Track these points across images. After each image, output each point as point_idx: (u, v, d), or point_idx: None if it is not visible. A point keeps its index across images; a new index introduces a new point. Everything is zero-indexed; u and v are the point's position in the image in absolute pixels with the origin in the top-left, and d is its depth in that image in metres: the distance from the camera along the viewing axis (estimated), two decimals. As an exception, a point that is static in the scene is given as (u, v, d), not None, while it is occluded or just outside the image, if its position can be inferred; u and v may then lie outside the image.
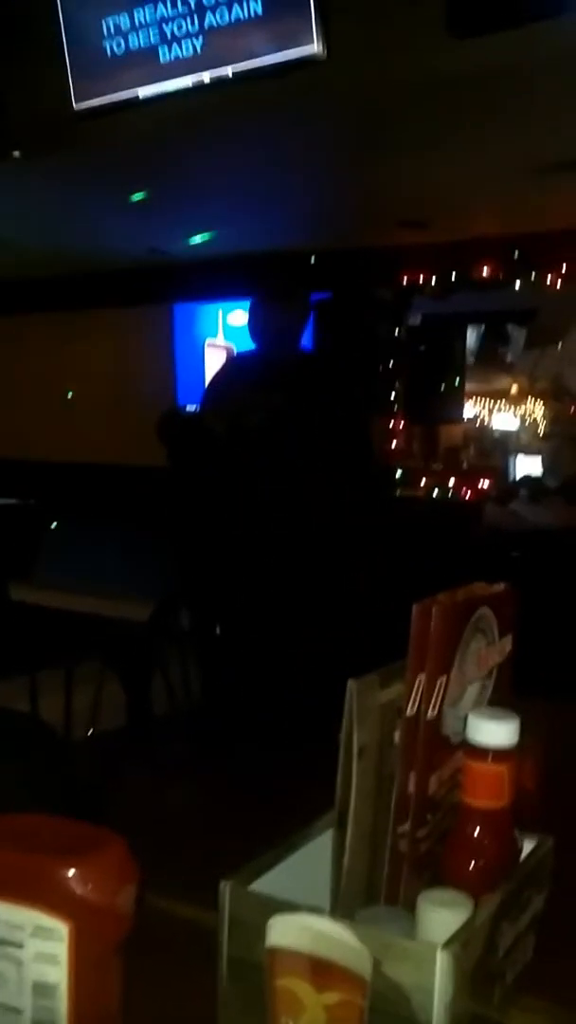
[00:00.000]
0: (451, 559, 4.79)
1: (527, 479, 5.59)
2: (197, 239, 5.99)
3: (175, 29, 2.75)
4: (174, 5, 2.75)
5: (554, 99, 3.64)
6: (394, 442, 6.30)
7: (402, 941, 0.83)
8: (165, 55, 2.78)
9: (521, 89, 3.56)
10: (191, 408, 3.67)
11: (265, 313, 3.42)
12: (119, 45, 2.85)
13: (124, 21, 2.83)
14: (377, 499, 3.84)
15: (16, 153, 4.03)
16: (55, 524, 5.83)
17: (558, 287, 5.75)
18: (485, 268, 5.92)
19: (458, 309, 6.45)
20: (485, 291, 6.03)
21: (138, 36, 2.81)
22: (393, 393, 6.37)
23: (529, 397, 6.93)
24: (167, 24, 2.76)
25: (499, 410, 7.11)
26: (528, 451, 6.25)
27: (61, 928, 0.72)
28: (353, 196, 5.02)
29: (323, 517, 3.31)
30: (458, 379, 6.78)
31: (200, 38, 2.72)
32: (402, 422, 6.45)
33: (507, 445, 7.01)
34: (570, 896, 1.10)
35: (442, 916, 0.88)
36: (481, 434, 7.14)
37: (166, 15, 2.75)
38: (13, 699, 1.79)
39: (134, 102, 2.88)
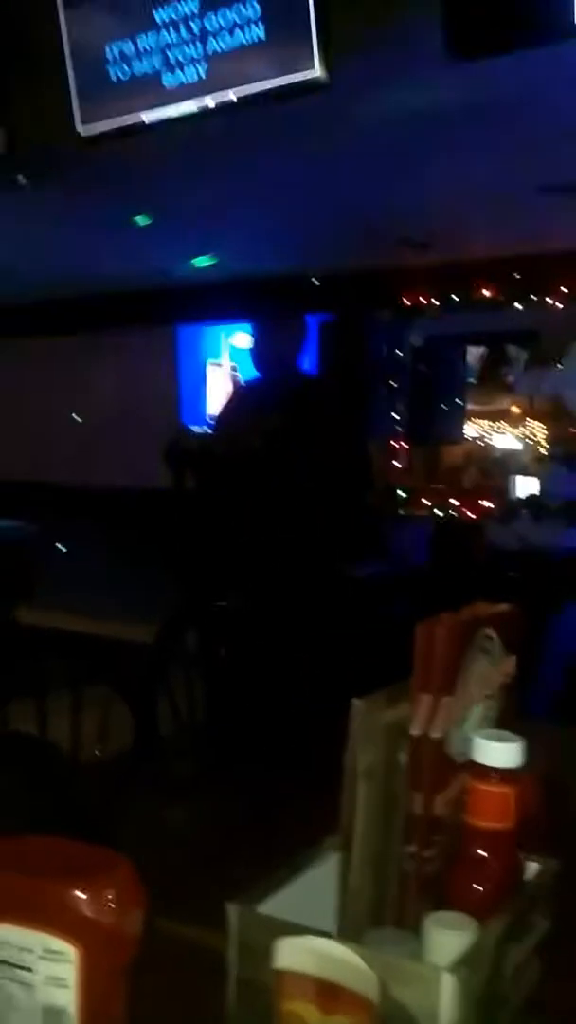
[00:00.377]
0: (453, 578, 4.79)
1: (529, 499, 5.59)
2: (201, 262, 6.02)
3: (179, 55, 2.78)
4: (177, 31, 2.77)
5: (554, 122, 3.67)
6: (396, 462, 6.31)
7: (408, 964, 0.83)
8: (169, 80, 2.80)
9: (522, 113, 3.58)
10: (197, 430, 3.72)
11: (263, 339, 3.47)
12: (123, 71, 2.88)
13: (128, 47, 2.85)
14: (376, 518, 3.87)
15: (21, 178, 4.07)
16: (60, 546, 5.84)
17: (558, 308, 5.77)
18: (486, 289, 5.94)
19: (459, 330, 6.47)
20: (486, 312, 6.05)
21: (142, 62, 2.83)
22: (395, 414, 6.39)
23: (530, 418, 6.95)
24: (171, 50, 2.78)
25: (500, 430, 7.13)
26: (529, 471, 6.26)
27: (70, 951, 0.72)
28: (355, 218, 5.05)
29: (322, 534, 3.35)
30: (459, 399, 6.80)
31: (204, 63, 2.74)
32: (404, 442, 6.46)
33: (508, 465, 7.03)
34: (573, 919, 1.09)
35: (448, 939, 0.88)
36: (482, 454, 7.15)
37: (170, 41, 2.78)
38: (21, 722, 1.79)
39: (139, 127, 2.90)
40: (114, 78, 2.90)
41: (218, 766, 2.04)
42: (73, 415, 7.82)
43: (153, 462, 7.14)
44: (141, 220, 5.04)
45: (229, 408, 3.56)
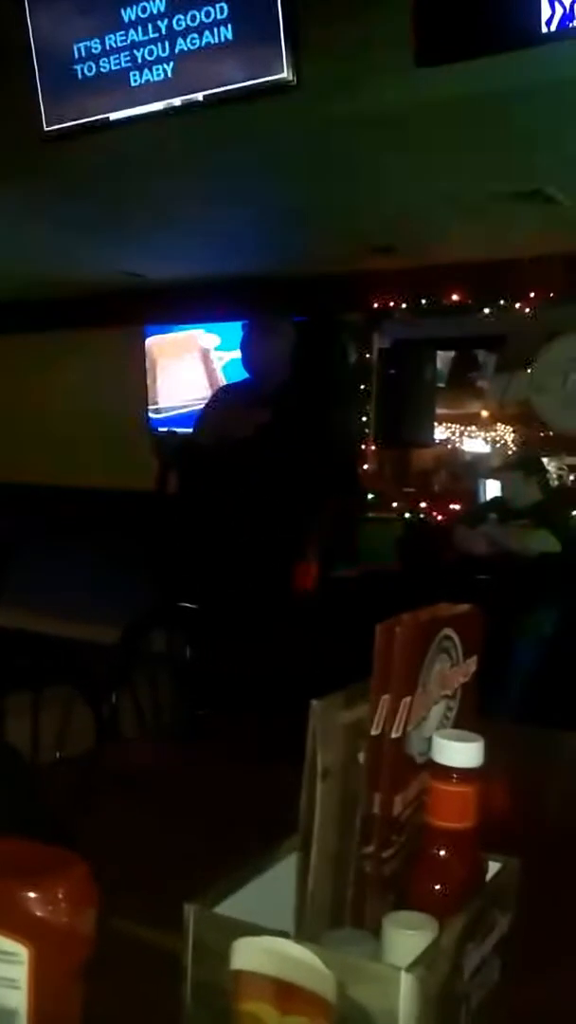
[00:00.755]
0: (421, 581, 4.81)
1: (496, 502, 5.62)
2: (167, 262, 6.01)
3: (146, 54, 2.77)
4: (145, 31, 2.76)
5: (522, 128, 3.69)
6: (366, 466, 6.33)
7: (367, 964, 0.83)
8: (136, 79, 2.80)
9: (489, 118, 3.60)
10: (181, 430, 3.74)
11: (256, 343, 3.49)
12: (90, 69, 2.87)
13: (95, 45, 2.85)
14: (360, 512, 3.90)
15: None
16: (23, 546, 5.81)
17: (526, 313, 5.80)
18: (454, 294, 5.97)
19: (428, 334, 6.49)
20: (454, 316, 6.08)
21: (109, 60, 2.83)
22: (364, 417, 6.40)
23: (499, 422, 6.99)
24: (138, 49, 2.78)
25: (470, 434, 7.16)
26: (496, 475, 6.29)
27: (21, 951, 0.71)
28: (322, 222, 5.06)
29: (307, 527, 3.38)
30: (429, 403, 6.82)
31: (171, 63, 2.74)
32: (373, 446, 6.48)
33: (477, 469, 7.05)
34: (536, 918, 1.10)
35: (407, 938, 0.87)
36: (452, 458, 7.18)
37: (137, 40, 2.77)
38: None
39: (105, 124, 2.89)
40: (80, 76, 2.89)
41: (180, 766, 2.03)
42: (42, 415, 7.77)
43: (124, 462, 7.14)
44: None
45: (213, 404, 3.56)
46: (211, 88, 2.72)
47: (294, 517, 3.41)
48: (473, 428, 7.15)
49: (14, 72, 2.93)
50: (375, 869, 0.95)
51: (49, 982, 0.73)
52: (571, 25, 2.37)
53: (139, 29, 2.77)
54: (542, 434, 6.38)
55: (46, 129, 2.97)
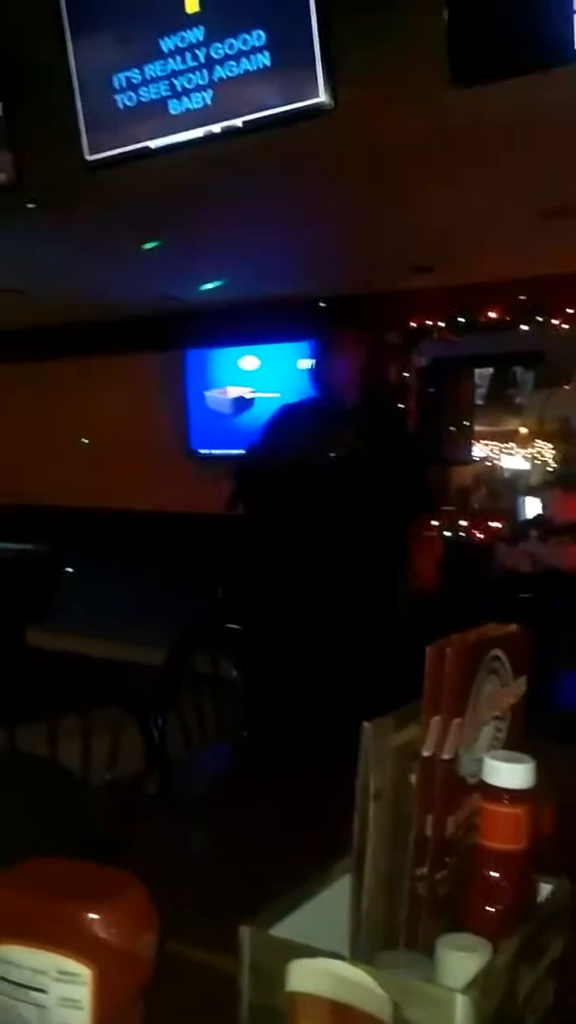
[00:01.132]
0: (464, 600, 4.78)
1: (537, 519, 5.59)
2: (208, 286, 6.06)
3: (185, 83, 2.80)
4: (184, 60, 2.79)
5: (558, 146, 3.70)
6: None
7: (422, 985, 0.83)
8: (176, 107, 2.83)
9: (526, 137, 3.61)
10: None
11: (332, 361, 3.50)
12: (130, 98, 2.90)
13: (135, 75, 2.88)
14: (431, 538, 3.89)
15: (31, 205, 4.10)
16: (70, 569, 5.85)
17: (564, 329, 5.79)
18: (492, 311, 5.97)
19: (466, 352, 6.49)
20: (492, 334, 6.07)
21: (148, 89, 2.86)
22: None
23: (538, 439, 6.96)
24: (177, 78, 2.80)
25: (509, 451, 7.13)
26: (537, 492, 6.26)
27: (84, 973, 0.72)
28: (361, 242, 5.08)
29: (387, 551, 3.38)
30: (467, 421, 6.81)
31: (210, 90, 2.77)
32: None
33: (517, 486, 7.02)
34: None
35: (461, 960, 0.88)
36: (491, 475, 7.16)
37: (176, 69, 2.80)
38: (33, 744, 1.79)
39: (145, 153, 2.92)
40: (121, 105, 2.93)
41: (231, 788, 2.04)
42: (81, 438, 7.85)
43: (162, 484, 7.18)
44: (149, 245, 5.07)
45: (287, 422, 3.53)
46: (250, 114, 2.74)
47: (389, 538, 3.42)
48: (512, 445, 7.12)
49: (56, 102, 2.97)
50: (428, 890, 0.96)
51: (111, 1003, 0.74)
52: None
53: (178, 58, 2.80)
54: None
55: (88, 159, 3.01)
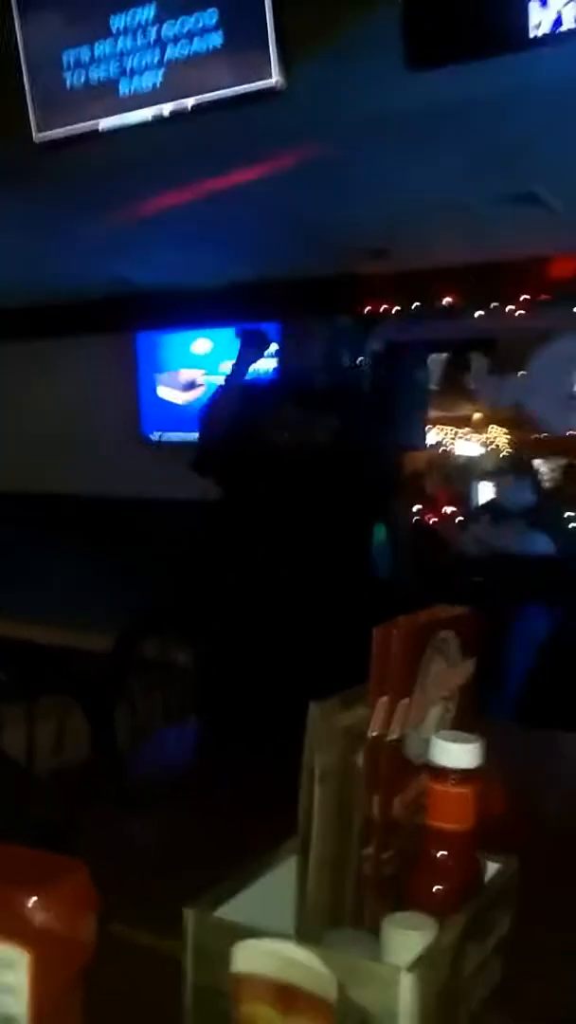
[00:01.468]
0: (416, 583, 4.80)
1: (489, 504, 5.63)
2: (160, 268, 6.01)
3: (135, 62, 2.77)
4: (134, 38, 2.76)
5: (513, 131, 3.70)
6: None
7: (367, 964, 0.83)
8: (125, 87, 2.80)
9: (481, 122, 3.61)
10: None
11: (299, 346, 3.49)
12: (79, 77, 2.87)
13: (84, 53, 2.84)
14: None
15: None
16: (15, 554, 5.80)
17: (518, 317, 5.82)
18: (447, 297, 5.98)
19: (421, 337, 6.50)
20: (446, 320, 6.09)
21: (98, 68, 2.82)
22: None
23: (491, 425, 7.00)
24: (127, 57, 2.77)
25: (462, 437, 7.17)
26: (490, 477, 6.30)
27: (20, 958, 0.71)
28: (313, 224, 5.06)
29: (358, 530, 3.39)
30: (421, 406, 6.82)
31: (160, 70, 2.74)
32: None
33: (470, 471, 7.07)
34: (536, 918, 1.10)
35: (407, 939, 0.88)
36: (444, 460, 7.19)
37: (126, 48, 2.77)
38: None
39: (94, 133, 2.89)
40: (70, 85, 2.89)
41: (180, 774, 2.03)
42: (32, 422, 7.77)
43: (112, 469, 7.13)
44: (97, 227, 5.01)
45: (263, 396, 3.48)
46: (201, 95, 2.72)
47: (361, 523, 3.42)
48: (466, 431, 7.16)
49: (3, 81, 2.93)
50: (374, 870, 0.96)
51: (49, 988, 0.73)
52: (559, 30, 2.38)
53: (128, 37, 2.77)
54: (534, 437, 6.39)
55: (36, 138, 2.97)
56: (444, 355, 7.19)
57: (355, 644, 1.06)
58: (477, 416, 7.09)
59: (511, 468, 5.36)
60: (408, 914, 0.91)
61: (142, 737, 2.28)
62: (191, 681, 2.47)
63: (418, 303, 6.09)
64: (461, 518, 5.99)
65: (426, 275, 5.99)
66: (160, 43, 2.74)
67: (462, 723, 1.03)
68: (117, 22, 2.79)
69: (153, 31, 2.73)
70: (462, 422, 7.18)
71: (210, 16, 2.66)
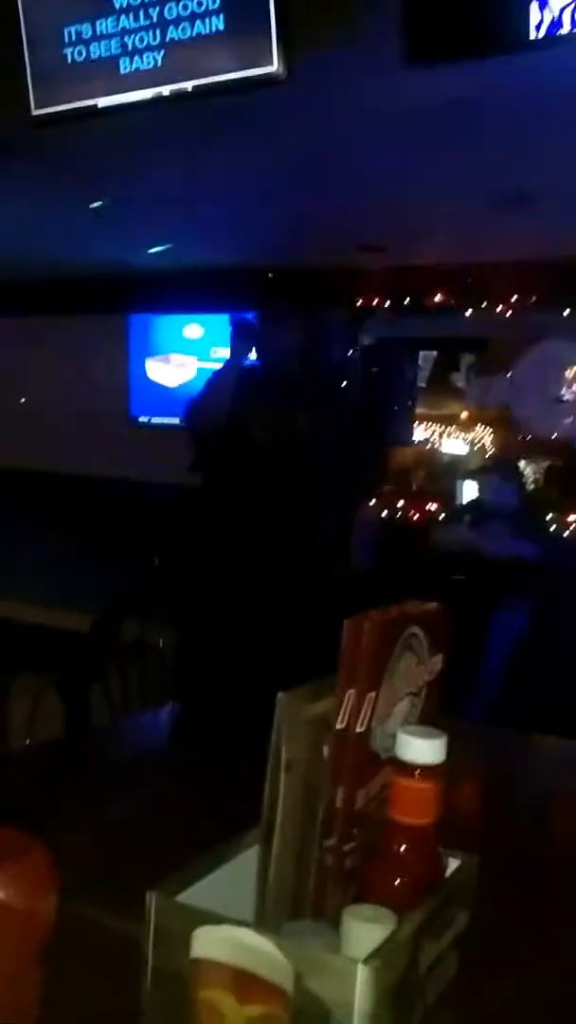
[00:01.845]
0: (397, 580, 4.81)
1: (472, 504, 5.65)
2: (154, 251, 5.99)
3: (136, 41, 2.75)
4: (136, 17, 2.75)
5: (508, 133, 3.71)
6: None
7: (324, 955, 0.84)
8: (126, 66, 2.78)
9: (477, 121, 3.61)
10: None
11: (277, 334, 3.47)
12: (80, 53, 2.84)
13: (86, 30, 2.82)
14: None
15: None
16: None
17: (507, 317, 5.83)
18: (438, 295, 5.98)
19: (411, 334, 6.51)
20: (437, 317, 6.09)
21: (99, 46, 2.81)
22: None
23: (478, 424, 7.02)
24: (128, 36, 2.76)
25: (449, 435, 7.19)
26: (475, 476, 6.32)
27: (-22, 934, 0.72)
28: (310, 215, 5.06)
29: (322, 525, 3.40)
30: (409, 402, 6.83)
31: (161, 51, 2.72)
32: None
33: (456, 469, 7.08)
34: (494, 915, 1.11)
35: (365, 931, 0.88)
36: (431, 457, 7.20)
37: (128, 26, 2.75)
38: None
39: (93, 111, 2.87)
40: (70, 60, 2.87)
41: (153, 756, 2.03)
42: (18, 399, 7.74)
43: (100, 450, 7.11)
44: (94, 205, 5.00)
45: (242, 388, 3.47)
46: (201, 78, 2.70)
47: (323, 512, 3.43)
48: (453, 429, 7.17)
49: (2, 54, 2.91)
50: (336, 862, 0.96)
51: (6, 966, 0.73)
52: (559, 32, 2.37)
53: (130, 16, 2.75)
54: (520, 437, 6.41)
55: (34, 113, 2.95)
56: (434, 353, 7.21)
57: (327, 635, 1.06)
58: (464, 415, 7.10)
59: (496, 468, 5.36)
60: (368, 906, 0.91)
61: (116, 718, 2.28)
62: (168, 663, 2.47)
63: (409, 300, 6.10)
64: (444, 515, 6.00)
65: (419, 272, 6.00)
66: (162, 23, 2.72)
67: (429, 719, 1.04)
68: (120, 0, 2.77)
69: (155, 11, 2.71)
70: (449, 420, 7.20)
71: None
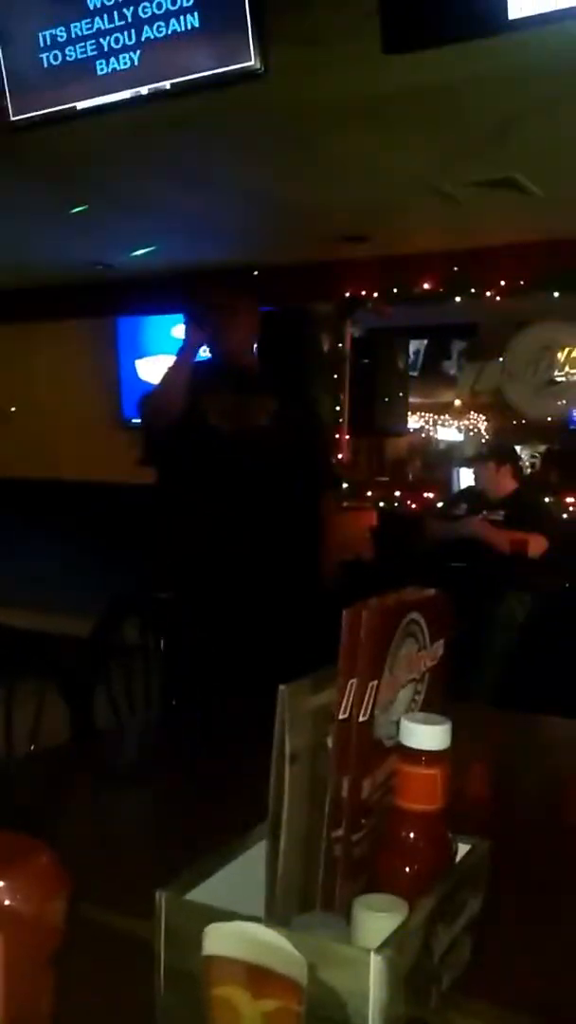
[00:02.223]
0: (395, 570, 4.82)
1: (468, 491, 5.64)
2: (139, 252, 5.98)
3: (112, 42, 2.74)
4: (111, 18, 2.74)
5: (492, 116, 3.70)
6: (340, 455, 6.33)
7: (336, 946, 0.83)
8: (103, 68, 2.77)
9: (459, 106, 3.61)
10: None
11: (227, 325, 3.44)
12: (56, 57, 2.83)
13: (60, 33, 2.81)
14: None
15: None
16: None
17: (497, 302, 5.82)
18: (426, 282, 5.97)
19: (401, 323, 6.50)
20: (426, 305, 6.08)
21: (75, 49, 2.80)
22: (338, 406, 6.40)
23: (471, 410, 7.01)
24: (104, 37, 2.75)
25: (443, 423, 7.18)
26: (469, 464, 6.31)
27: (-10, 941, 0.71)
28: (294, 210, 5.05)
29: (290, 524, 3.39)
30: (402, 392, 6.83)
31: (138, 51, 2.71)
32: (347, 435, 6.48)
33: (451, 458, 7.08)
34: (506, 899, 1.11)
35: (376, 921, 0.88)
36: (425, 447, 7.20)
37: (103, 27, 2.74)
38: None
39: (72, 114, 2.86)
40: (46, 65, 2.86)
41: (157, 757, 2.03)
42: (11, 406, 7.73)
43: (92, 454, 7.11)
44: (77, 209, 4.99)
45: (201, 381, 3.46)
46: (178, 76, 2.69)
47: (297, 508, 3.42)
48: (446, 417, 7.17)
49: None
50: (344, 852, 0.96)
51: (19, 970, 0.73)
52: (538, 14, 2.37)
53: (105, 17, 2.74)
54: (515, 422, 6.40)
55: (12, 119, 2.94)
56: (424, 341, 7.20)
57: (325, 626, 1.06)
58: (457, 402, 7.10)
59: (490, 454, 5.35)
60: (378, 896, 0.91)
61: (121, 721, 2.28)
62: (169, 665, 2.47)
63: (397, 288, 6.09)
64: (440, 504, 6.00)
65: (406, 260, 5.99)
66: (137, 23, 2.71)
67: (432, 705, 1.04)
68: (93, 1, 2.76)
69: (129, 11, 2.71)
70: (442, 408, 7.19)
71: (186, -4, 2.64)
